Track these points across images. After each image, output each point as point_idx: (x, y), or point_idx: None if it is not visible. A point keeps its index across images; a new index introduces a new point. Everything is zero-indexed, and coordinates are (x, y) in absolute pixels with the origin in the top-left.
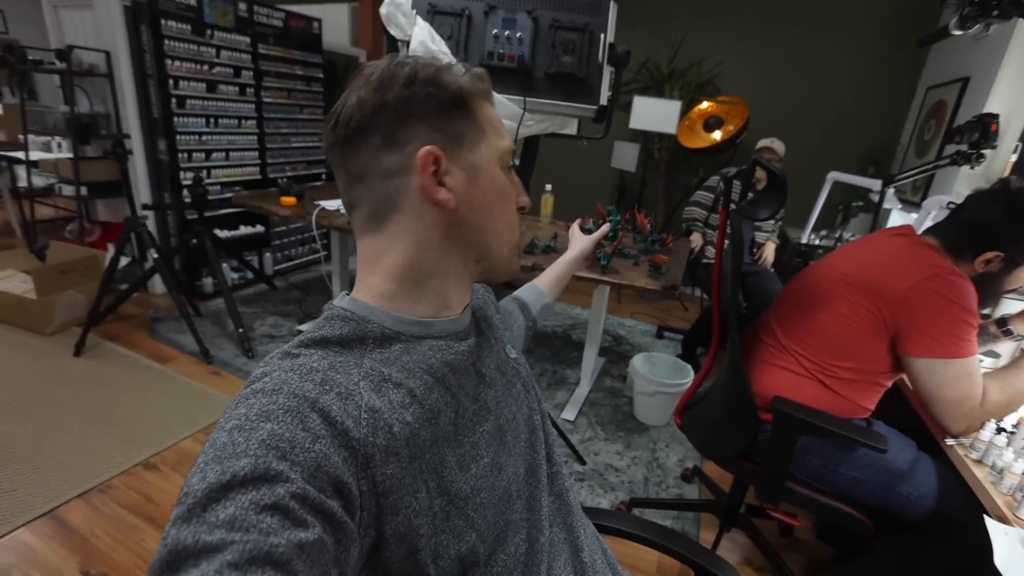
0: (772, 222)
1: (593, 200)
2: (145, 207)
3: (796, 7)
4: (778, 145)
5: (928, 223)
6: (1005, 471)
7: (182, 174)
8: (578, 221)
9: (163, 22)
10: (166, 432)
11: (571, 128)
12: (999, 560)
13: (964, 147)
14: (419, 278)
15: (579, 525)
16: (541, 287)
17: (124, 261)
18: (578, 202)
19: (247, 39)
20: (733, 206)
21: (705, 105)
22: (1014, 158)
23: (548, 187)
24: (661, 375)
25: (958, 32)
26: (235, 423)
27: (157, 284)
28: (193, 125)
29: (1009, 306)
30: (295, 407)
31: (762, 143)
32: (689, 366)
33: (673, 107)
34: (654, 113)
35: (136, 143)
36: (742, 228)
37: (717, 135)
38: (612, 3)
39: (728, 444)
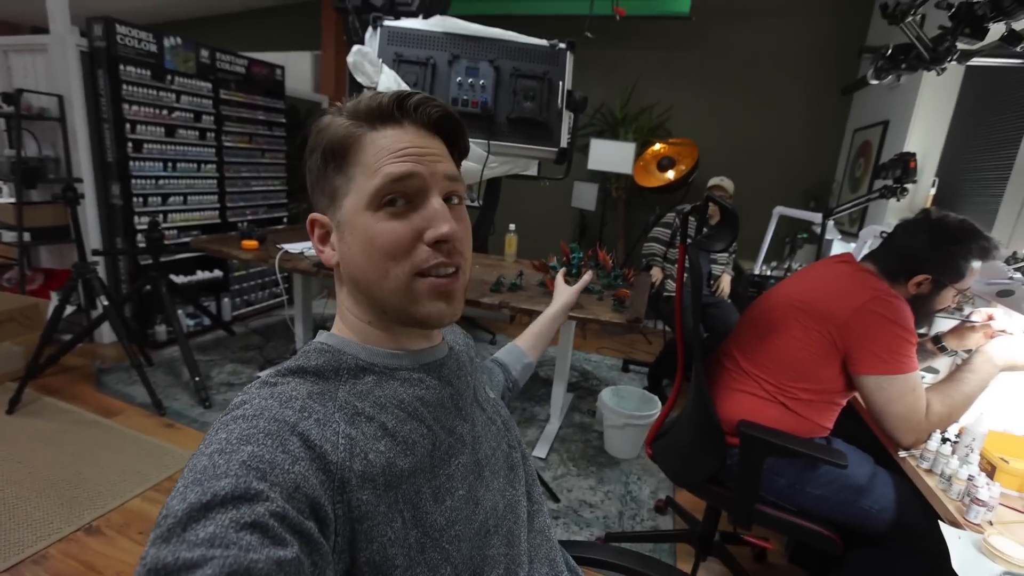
0: (727, 255)
1: (556, 239)
2: (96, 252)
3: (737, 58)
4: (727, 183)
5: (865, 250)
6: (953, 478)
7: (136, 218)
8: (562, 271)
9: (122, 67)
10: (112, 492)
11: (532, 169)
12: (956, 564)
13: (890, 182)
14: (365, 320)
15: (560, 560)
16: (522, 346)
17: (70, 310)
18: (541, 240)
19: (209, 84)
20: (690, 240)
21: (658, 147)
22: (933, 191)
23: (512, 227)
24: (630, 408)
25: (875, 81)
26: (216, 447)
27: (105, 333)
28: (150, 169)
29: (942, 325)
30: (275, 431)
31: (712, 181)
32: (656, 397)
33: (628, 149)
34: (610, 155)
35: (88, 187)
36: (699, 261)
37: (670, 174)
38: (569, 53)
39: (699, 470)
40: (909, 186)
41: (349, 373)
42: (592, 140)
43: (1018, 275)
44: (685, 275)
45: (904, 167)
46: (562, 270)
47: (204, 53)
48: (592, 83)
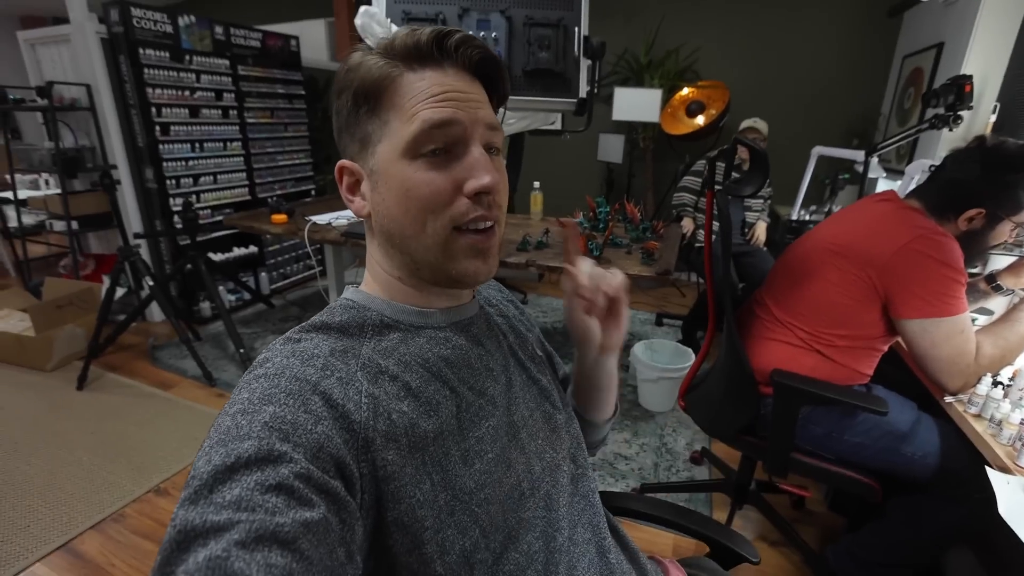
0: (762, 201)
1: (582, 195)
2: (137, 236)
3: None
4: (761, 124)
5: (912, 187)
6: (1003, 422)
7: (171, 200)
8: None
9: (141, 51)
10: (175, 457)
11: (556, 123)
12: (1003, 509)
13: (941, 110)
14: (394, 274)
15: (604, 527)
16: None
17: (120, 292)
18: (567, 197)
19: (226, 62)
20: (718, 187)
21: (686, 91)
22: (993, 118)
23: (536, 184)
24: (663, 361)
25: None
26: (239, 407)
27: (155, 312)
28: (179, 151)
29: (997, 262)
30: (297, 390)
31: (745, 123)
32: (690, 350)
33: (654, 96)
34: (636, 103)
35: (123, 173)
36: (729, 208)
37: (700, 120)
38: None
39: (732, 421)
40: (964, 114)
41: (374, 330)
42: (616, 89)
43: None
44: (714, 223)
45: (959, 92)
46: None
47: (219, 30)
48: (614, 30)
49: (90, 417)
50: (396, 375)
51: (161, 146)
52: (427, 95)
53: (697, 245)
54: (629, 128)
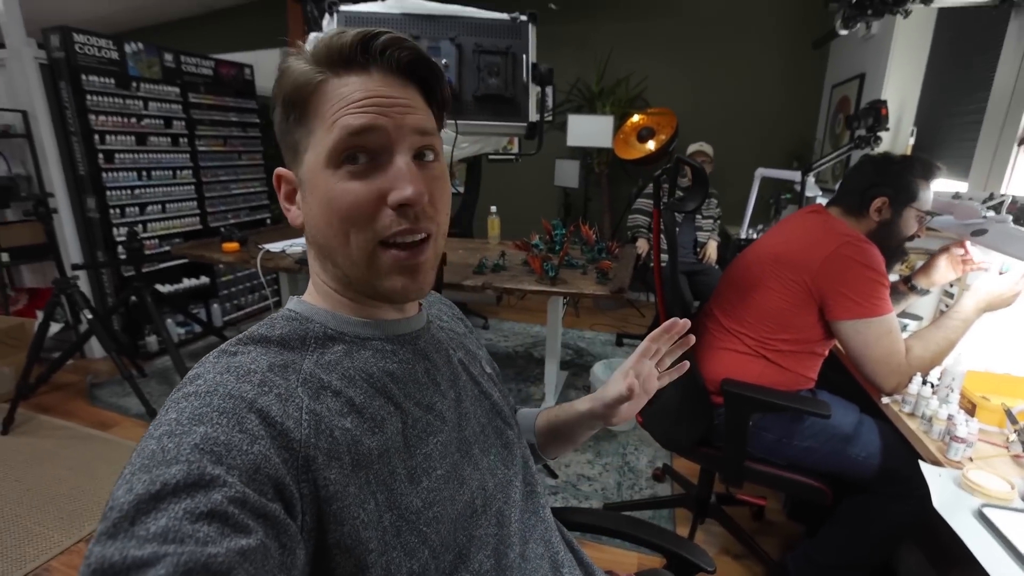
0: (711, 221)
1: (540, 219)
2: (75, 267)
3: (708, 21)
4: (707, 148)
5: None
6: (933, 419)
7: (115, 230)
8: (636, 353)
9: (84, 77)
10: None
11: (513, 147)
12: (936, 502)
13: (863, 132)
14: (336, 287)
15: (558, 541)
16: (536, 424)
17: (56, 327)
18: (525, 223)
19: (176, 89)
20: (664, 204)
21: (636, 118)
22: (912, 141)
23: (493, 209)
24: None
25: (844, 32)
26: (165, 429)
27: (95, 348)
28: (124, 179)
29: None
30: (231, 408)
31: (692, 148)
32: None
33: (606, 122)
34: (589, 130)
35: (62, 202)
36: (676, 225)
37: (651, 145)
38: (531, 25)
39: (687, 433)
40: (884, 135)
41: (317, 343)
42: (570, 116)
43: (991, 214)
44: (663, 239)
45: (876, 115)
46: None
47: (168, 57)
48: (566, 59)
49: (15, 463)
50: (339, 390)
51: (105, 174)
52: (348, 101)
53: (652, 265)
54: (584, 153)
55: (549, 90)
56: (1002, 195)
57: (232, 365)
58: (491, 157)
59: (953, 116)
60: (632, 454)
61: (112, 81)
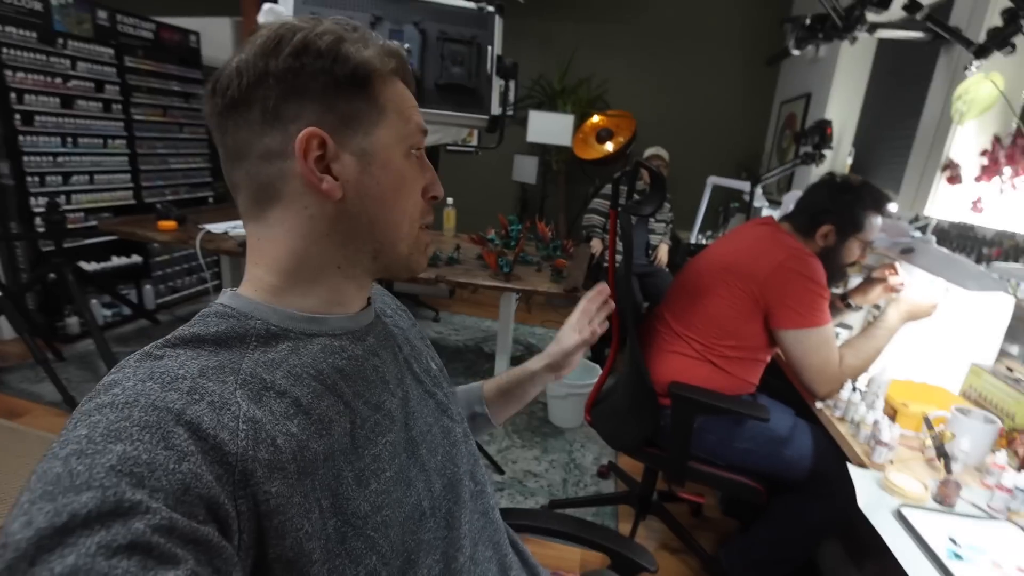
0: (664, 225)
1: (496, 213)
2: None
3: (670, 30)
4: (664, 152)
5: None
6: (861, 423)
7: (33, 200)
8: (578, 311)
9: None
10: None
11: (472, 140)
12: (862, 502)
13: (809, 148)
14: (307, 271)
15: (506, 543)
16: (484, 391)
17: None
18: (482, 216)
19: (110, 51)
20: (621, 206)
21: (596, 119)
22: (850, 160)
23: (450, 201)
24: (572, 377)
25: (796, 52)
26: (73, 448)
27: (5, 328)
28: (45, 145)
29: (850, 284)
30: (155, 422)
31: (649, 152)
32: (597, 366)
33: (567, 121)
34: (549, 127)
35: None
36: (632, 228)
37: (609, 146)
38: (498, 17)
39: (634, 433)
40: (827, 152)
41: (258, 340)
42: (531, 112)
43: (918, 233)
44: (618, 242)
45: (822, 133)
46: (578, 308)
47: (102, 15)
48: (530, 54)
49: None
50: (284, 390)
51: (22, 137)
52: (411, 104)
53: (605, 265)
54: (543, 150)
55: (512, 84)
56: (926, 216)
57: (157, 370)
58: (449, 148)
59: (887, 140)
60: (579, 451)
61: (34, 35)
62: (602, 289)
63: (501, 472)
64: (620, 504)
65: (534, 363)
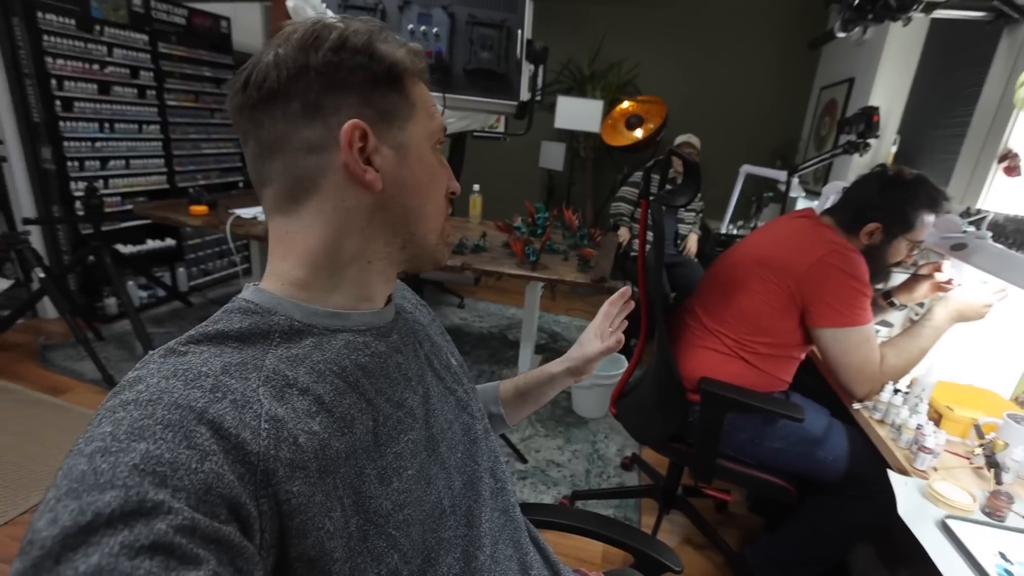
0: (694, 214)
1: (522, 200)
2: (27, 221)
3: (705, 13)
4: (695, 140)
5: (827, 206)
6: (902, 427)
7: (73, 184)
8: (601, 315)
9: (40, 15)
10: None
11: (499, 126)
12: (902, 510)
13: (853, 137)
14: (337, 265)
15: (526, 541)
16: (500, 391)
17: (5, 284)
18: (508, 203)
19: (145, 37)
20: (653, 196)
21: (626, 104)
22: (894, 148)
23: (476, 187)
24: (597, 368)
25: (842, 34)
26: (98, 445)
27: (49, 308)
28: (84, 130)
29: (897, 281)
30: (178, 421)
31: (680, 139)
32: (623, 357)
33: (596, 107)
34: (578, 113)
35: (13, 150)
36: (663, 218)
37: (639, 133)
38: (528, 0)
39: (661, 428)
40: (872, 142)
41: (282, 337)
42: (559, 97)
43: (971, 228)
44: (648, 232)
45: (868, 121)
46: (599, 317)
47: (137, 1)
48: (559, 39)
49: None
50: (306, 387)
51: (62, 123)
52: (433, 103)
53: (632, 254)
54: (571, 137)
55: (541, 68)
56: (980, 210)
57: (180, 368)
58: (476, 134)
59: (936, 128)
60: (602, 442)
61: (72, 22)
62: (624, 292)
63: (524, 461)
64: (644, 497)
65: (554, 366)
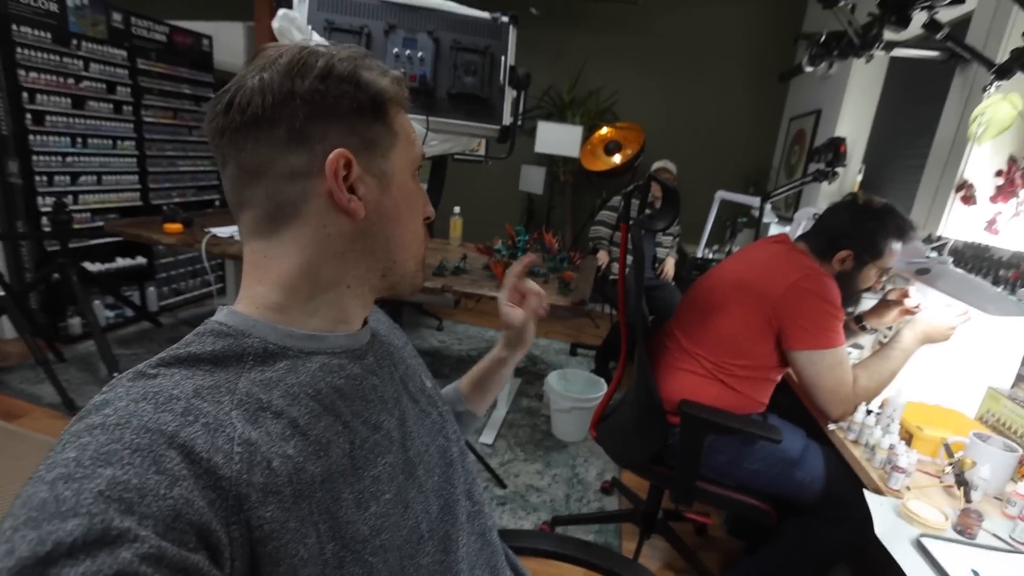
0: (671, 238)
1: (502, 222)
2: None
3: (681, 44)
4: (672, 166)
5: (799, 232)
6: (876, 447)
7: (40, 199)
8: (515, 270)
9: (14, 27)
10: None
11: (479, 150)
12: (879, 530)
13: (822, 165)
14: (314, 290)
15: (504, 566)
16: (461, 389)
17: None
18: (488, 225)
19: (123, 53)
20: (632, 220)
21: (605, 130)
22: (860, 177)
23: (456, 210)
24: (576, 391)
25: (809, 69)
26: (61, 471)
27: (6, 328)
28: (55, 144)
29: (867, 306)
30: (147, 445)
31: (657, 164)
32: (602, 380)
33: (575, 132)
34: (558, 138)
35: None
36: (642, 242)
37: (617, 158)
38: (511, 27)
39: (641, 450)
40: (839, 170)
41: (256, 359)
42: (539, 123)
43: (934, 254)
44: (629, 257)
45: (835, 151)
46: (514, 269)
47: (116, 17)
48: (540, 65)
49: None
50: (281, 410)
51: (32, 136)
52: (413, 131)
53: (612, 277)
54: (550, 161)
55: (522, 94)
56: (942, 237)
57: (150, 390)
58: (457, 157)
59: (898, 158)
60: (582, 466)
61: (48, 35)
62: (530, 259)
63: (503, 486)
64: (624, 522)
65: (496, 350)
